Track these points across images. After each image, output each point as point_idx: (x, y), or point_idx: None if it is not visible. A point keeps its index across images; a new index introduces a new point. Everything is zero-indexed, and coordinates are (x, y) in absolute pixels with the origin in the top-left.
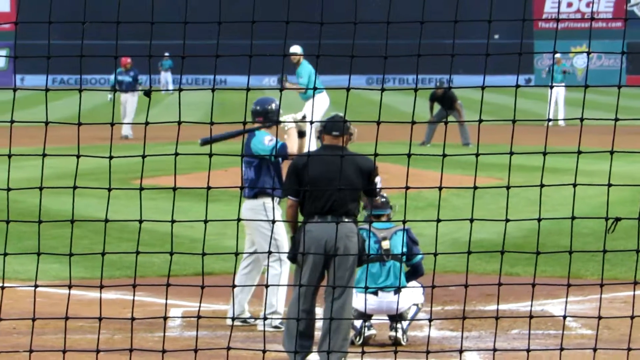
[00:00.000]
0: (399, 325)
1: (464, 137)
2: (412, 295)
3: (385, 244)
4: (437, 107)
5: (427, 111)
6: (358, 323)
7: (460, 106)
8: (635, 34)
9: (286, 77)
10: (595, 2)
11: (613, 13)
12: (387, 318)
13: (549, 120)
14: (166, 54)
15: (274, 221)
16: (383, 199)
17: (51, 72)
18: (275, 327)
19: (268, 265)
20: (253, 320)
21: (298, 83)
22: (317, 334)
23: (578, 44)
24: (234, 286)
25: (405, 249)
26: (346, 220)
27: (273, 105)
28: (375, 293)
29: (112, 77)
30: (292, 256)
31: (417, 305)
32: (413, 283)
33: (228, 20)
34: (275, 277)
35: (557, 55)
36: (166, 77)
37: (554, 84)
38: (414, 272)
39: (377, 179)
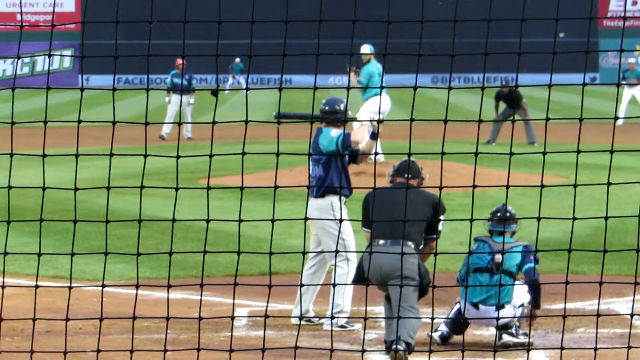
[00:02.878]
0: (507, 337)
1: (530, 136)
2: (515, 310)
3: (498, 257)
4: (502, 105)
5: (492, 110)
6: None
7: (525, 104)
8: None
9: (355, 68)
10: None
11: None
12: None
13: (616, 118)
14: (237, 59)
15: (340, 220)
16: (508, 214)
17: (116, 72)
18: (342, 326)
19: (335, 265)
20: (318, 319)
21: (357, 81)
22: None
23: None
24: (301, 285)
25: (517, 264)
26: (409, 244)
27: (342, 106)
28: (476, 306)
29: (169, 78)
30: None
31: (522, 305)
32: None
33: (294, 20)
34: (343, 277)
35: (631, 61)
36: (238, 80)
37: (629, 84)
38: (530, 287)
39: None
